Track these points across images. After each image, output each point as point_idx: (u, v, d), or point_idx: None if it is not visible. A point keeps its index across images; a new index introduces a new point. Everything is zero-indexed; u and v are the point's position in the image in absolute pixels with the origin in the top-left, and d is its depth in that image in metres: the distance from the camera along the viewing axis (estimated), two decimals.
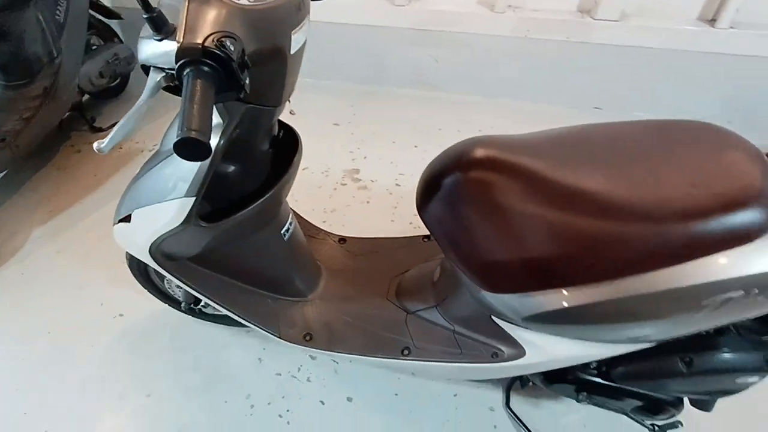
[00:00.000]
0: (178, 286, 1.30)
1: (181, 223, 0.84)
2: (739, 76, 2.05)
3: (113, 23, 2.36)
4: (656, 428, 1.02)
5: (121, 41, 2.37)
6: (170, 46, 0.61)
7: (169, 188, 0.81)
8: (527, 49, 2.25)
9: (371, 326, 1.11)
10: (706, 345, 0.89)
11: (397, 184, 1.98)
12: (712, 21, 2.01)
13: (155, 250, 0.92)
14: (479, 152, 0.80)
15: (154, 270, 1.29)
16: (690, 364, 0.89)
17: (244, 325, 1.44)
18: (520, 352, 0.93)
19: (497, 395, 1.30)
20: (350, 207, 1.88)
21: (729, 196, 0.67)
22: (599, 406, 1.07)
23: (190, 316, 1.47)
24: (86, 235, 1.76)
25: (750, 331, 0.92)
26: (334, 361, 1.38)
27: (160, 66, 0.64)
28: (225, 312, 1.10)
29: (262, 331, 1.12)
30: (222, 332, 1.46)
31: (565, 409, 1.27)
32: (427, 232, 1.33)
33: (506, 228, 0.77)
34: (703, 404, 0.99)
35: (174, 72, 0.58)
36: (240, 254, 1.04)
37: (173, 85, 0.66)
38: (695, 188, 0.69)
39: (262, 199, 0.89)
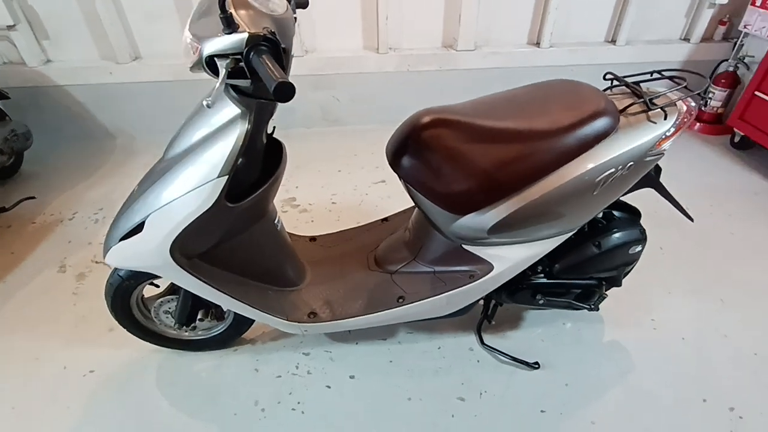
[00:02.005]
0: (165, 312, 1.34)
1: (212, 205, 0.96)
2: None
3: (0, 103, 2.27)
4: (591, 306, 1.35)
5: (10, 119, 2.27)
6: (239, 36, 0.80)
7: (199, 176, 0.94)
8: (410, 79, 2.72)
9: (364, 292, 1.29)
10: (605, 230, 1.27)
11: (333, 203, 2.20)
12: (537, 44, 2.71)
13: (175, 247, 1.01)
14: (426, 118, 1.08)
15: (137, 304, 1.32)
16: (599, 246, 1.25)
17: (227, 345, 1.49)
18: (489, 267, 1.20)
19: (472, 338, 1.54)
20: (297, 228, 2.04)
21: (590, 112, 1.05)
22: (552, 306, 1.37)
23: (172, 350, 1.47)
24: (23, 311, 1.63)
25: (627, 219, 1.33)
26: (327, 351, 1.50)
27: (227, 53, 0.81)
28: (235, 306, 1.18)
29: (271, 317, 1.21)
30: (208, 357, 1.47)
31: (524, 334, 1.56)
32: (381, 217, 1.58)
33: (459, 164, 1.06)
34: (614, 281, 1.36)
35: (239, 56, 0.78)
36: (243, 248, 1.15)
37: (231, 70, 0.83)
38: (569, 111, 1.06)
39: (272, 178, 1.06)
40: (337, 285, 1.33)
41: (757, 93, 2.36)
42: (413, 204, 1.53)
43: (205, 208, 0.96)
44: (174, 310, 1.32)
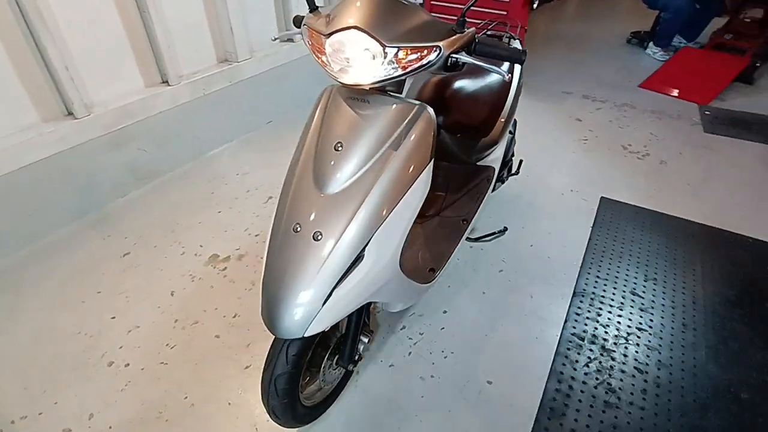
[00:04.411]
0: (330, 366, 1.24)
1: (427, 189, 1.05)
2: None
3: None
4: (517, 171, 2.10)
5: None
6: (471, 32, 0.95)
7: (413, 170, 1.00)
8: (209, 102, 2.62)
9: (440, 236, 1.58)
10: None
11: (254, 239, 2.09)
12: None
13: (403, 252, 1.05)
14: (436, 81, 1.45)
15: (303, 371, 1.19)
16: (512, 132, 1.96)
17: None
18: (492, 169, 1.74)
19: (467, 243, 2.04)
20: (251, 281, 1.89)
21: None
22: (507, 178, 2.04)
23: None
24: None
25: None
26: (413, 313, 1.69)
27: (462, 47, 0.94)
28: (409, 291, 1.30)
29: (420, 286, 1.34)
30: (343, 398, 1.42)
31: (480, 222, 2.18)
32: None
33: (477, 99, 1.51)
34: (512, 152, 2.14)
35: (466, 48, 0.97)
36: None
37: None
38: None
39: None
40: (417, 245, 1.54)
41: None
42: None
43: (424, 195, 1.05)
44: (333, 360, 1.24)
